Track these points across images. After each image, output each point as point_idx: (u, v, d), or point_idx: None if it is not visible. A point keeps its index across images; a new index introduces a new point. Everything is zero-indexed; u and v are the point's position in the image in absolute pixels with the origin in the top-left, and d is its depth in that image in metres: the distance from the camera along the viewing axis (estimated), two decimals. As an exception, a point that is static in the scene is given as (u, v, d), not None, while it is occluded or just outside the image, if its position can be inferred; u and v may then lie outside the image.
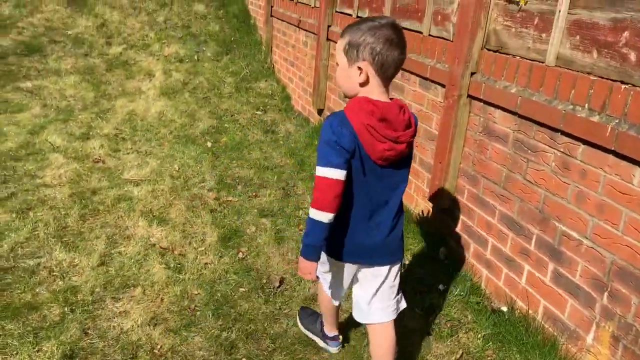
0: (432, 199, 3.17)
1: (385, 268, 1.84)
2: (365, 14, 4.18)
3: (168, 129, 5.13)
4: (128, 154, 4.41)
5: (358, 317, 1.97)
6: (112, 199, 3.54)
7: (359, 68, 1.56)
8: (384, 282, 1.86)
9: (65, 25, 6.79)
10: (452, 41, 2.98)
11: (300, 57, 5.75)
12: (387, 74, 1.59)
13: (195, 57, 6.84)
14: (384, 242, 1.76)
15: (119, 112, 5.37)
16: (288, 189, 4.09)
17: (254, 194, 3.91)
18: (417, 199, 3.49)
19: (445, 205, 3.08)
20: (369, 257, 1.80)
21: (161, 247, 3.02)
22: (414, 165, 3.40)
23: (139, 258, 2.89)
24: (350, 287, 1.96)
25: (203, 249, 3.05)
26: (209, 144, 4.89)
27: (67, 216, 3.25)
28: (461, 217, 2.99)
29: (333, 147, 1.54)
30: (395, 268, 1.87)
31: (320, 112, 5.19)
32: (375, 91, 1.60)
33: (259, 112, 5.83)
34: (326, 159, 1.55)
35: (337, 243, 1.75)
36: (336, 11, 4.78)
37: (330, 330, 2.28)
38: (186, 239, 3.13)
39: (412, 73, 3.46)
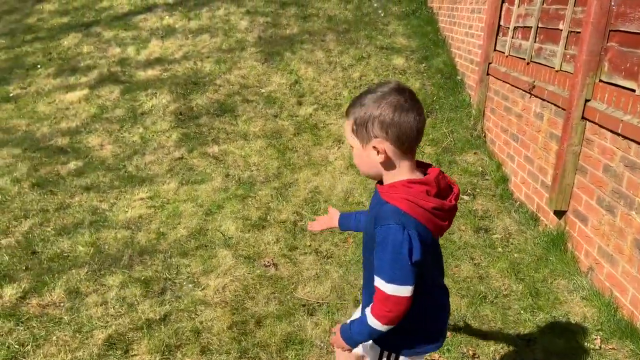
0: None
1: None
2: (666, 91, 2.72)
3: (355, 216, 4.20)
4: (305, 254, 3.56)
5: None
6: (279, 338, 2.64)
7: (374, 147, 1.43)
8: None
9: (260, 82, 6.48)
10: None
11: (529, 132, 4.39)
12: (407, 145, 1.44)
13: (391, 120, 5.91)
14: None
15: (302, 188, 4.64)
16: (520, 342, 2.77)
17: (470, 351, 2.69)
18: None
19: None
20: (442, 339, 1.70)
21: None
22: None
23: None
24: None
25: None
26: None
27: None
28: None
29: (404, 261, 1.39)
30: None
31: (560, 214, 3.75)
32: (404, 167, 1.46)
33: (466, 197, 4.59)
34: (396, 275, 1.41)
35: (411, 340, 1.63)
36: (601, 81, 3.37)
37: None
38: None
39: None
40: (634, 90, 2.99)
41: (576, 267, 3.45)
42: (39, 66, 6.87)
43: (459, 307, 3.08)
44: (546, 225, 3.94)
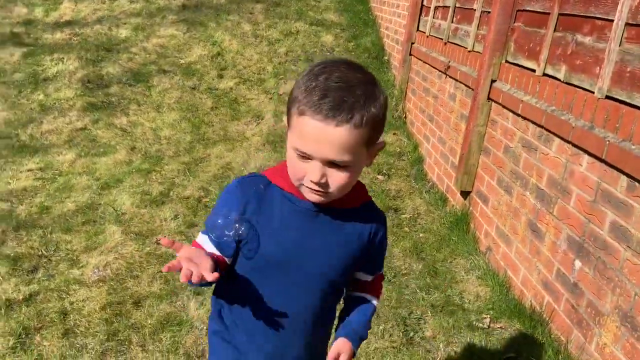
0: None
1: None
2: (560, 72, 2.72)
3: (264, 194, 4.04)
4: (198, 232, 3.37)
5: None
6: (156, 320, 2.45)
7: (375, 154, 1.12)
8: None
9: (180, 52, 6.14)
10: None
11: (443, 113, 4.38)
12: None
13: (314, 98, 5.76)
14: None
15: (213, 164, 4.42)
16: (410, 322, 2.73)
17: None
18: None
19: None
20: None
21: None
22: None
23: None
24: None
25: None
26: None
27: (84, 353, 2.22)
28: None
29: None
30: None
31: (465, 195, 3.76)
32: None
33: (381, 177, 4.55)
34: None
35: None
36: (507, 61, 3.36)
37: None
38: None
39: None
40: (534, 71, 2.99)
41: (476, 247, 3.47)
42: None
43: (356, 286, 3.01)
44: (453, 205, 3.94)
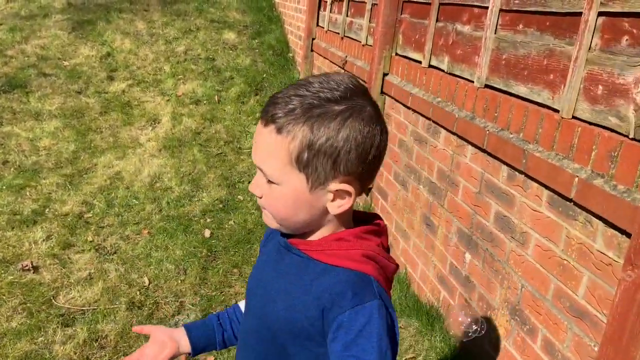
0: None
1: None
2: (444, 63, 2.67)
3: (157, 204, 3.74)
4: (82, 252, 3.03)
5: None
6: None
7: (339, 191, 0.84)
8: None
9: (63, 54, 5.62)
10: None
11: (344, 109, 4.28)
12: (369, 183, 0.89)
13: (216, 98, 5.50)
14: None
15: (99, 174, 4.04)
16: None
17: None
18: None
19: None
20: None
21: None
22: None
23: None
24: None
25: None
26: (207, 233, 3.46)
27: None
28: None
29: (395, 355, 0.84)
30: None
31: (368, 191, 3.67)
32: (344, 217, 0.89)
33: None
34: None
35: None
36: (397, 54, 3.29)
37: None
38: None
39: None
40: (420, 62, 2.93)
41: (379, 244, 3.39)
42: None
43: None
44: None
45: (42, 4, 6.38)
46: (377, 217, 0.98)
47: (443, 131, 2.62)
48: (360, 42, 3.94)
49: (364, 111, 0.82)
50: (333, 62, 4.63)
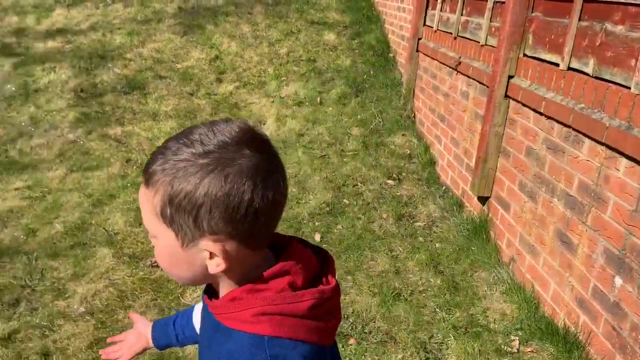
0: None
1: None
2: (588, 66, 2.44)
3: (267, 205, 3.79)
4: (203, 251, 3.13)
5: None
6: (148, 358, 2.20)
7: (209, 251, 0.77)
8: None
9: (176, 57, 5.90)
10: None
11: (456, 112, 4.11)
12: (261, 239, 0.80)
13: (318, 100, 5.52)
14: None
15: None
16: (431, 347, 2.47)
17: (376, 358, 2.36)
18: None
19: None
20: None
21: None
22: None
23: None
24: None
25: None
26: (317, 237, 3.45)
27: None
28: None
29: None
30: None
31: (483, 201, 3.48)
32: (252, 266, 0.82)
33: (391, 182, 4.29)
34: None
35: None
36: (525, 55, 3.08)
37: None
38: None
39: None
40: (557, 65, 2.71)
41: (497, 257, 3.20)
42: None
43: (368, 307, 2.75)
44: (470, 212, 3.67)
45: (156, 9, 6.74)
46: (292, 242, 0.89)
47: (587, 140, 2.40)
48: (479, 42, 3.74)
49: (232, 165, 0.73)
50: (443, 63, 4.45)
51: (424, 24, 5.15)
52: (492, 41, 3.51)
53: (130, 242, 3.12)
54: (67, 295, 2.58)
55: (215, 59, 5.98)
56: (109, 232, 3.17)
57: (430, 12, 5.04)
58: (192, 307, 1.22)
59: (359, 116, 5.31)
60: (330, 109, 5.44)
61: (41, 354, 2.18)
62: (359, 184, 4.28)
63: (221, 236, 0.76)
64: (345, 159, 4.67)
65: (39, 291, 2.61)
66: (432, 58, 4.79)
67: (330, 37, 6.65)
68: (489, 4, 3.61)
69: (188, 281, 0.85)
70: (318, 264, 0.89)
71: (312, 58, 6.24)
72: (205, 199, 0.73)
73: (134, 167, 4.17)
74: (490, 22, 3.61)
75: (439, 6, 4.72)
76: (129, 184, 3.89)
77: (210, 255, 0.78)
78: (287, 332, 0.79)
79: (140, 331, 1.26)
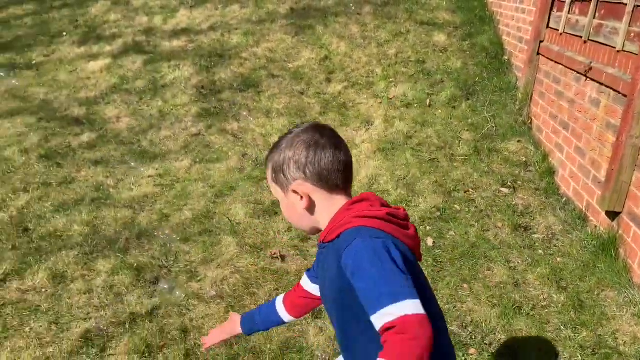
0: None
1: None
2: None
3: (378, 206, 3.81)
4: (313, 247, 3.22)
5: None
6: (275, 345, 2.31)
7: (294, 191, 1.26)
8: None
9: (288, 57, 6.10)
10: None
11: (582, 120, 3.87)
12: (332, 182, 1.26)
13: (427, 102, 5.45)
14: None
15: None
16: (557, 367, 2.36)
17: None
18: None
19: None
20: None
21: None
22: None
23: None
24: None
25: None
26: (430, 242, 3.41)
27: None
28: None
29: (393, 268, 1.06)
30: None
31: (613, 216, 3.26)
32: (336, 206, 1.25)
33: (505, 190, 4.14)
34: (395, 288, 1.03)
35: None
36: (676, 61, 2.83)
37: None
38: None
39: None
40: None
41: (628, 277, 2.98)
42: (64, 34, 6.71)
43: (488, 317, 2.68)
44: (596, 227, 3.45)
45: (269, 10, 7.00)
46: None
47: None
48: (614, 47, 3.50)
49: (296, 141, 1.25)
50: (569, 68, 4.21)
51: (547, 26, 4.91)
52: (631, 47, 3.27)
53: (251, 233, 3.28)
54: (199, 279, 2.77)
55: (324, 59, 6.10)
56: (232, 221, 3.36)
57: (555, 14, 4.79)
58: (275, 298, 1.61)
59: (469, 120, 5.17)
60: (440, 111, 5.34)
61: (180, 330, 2.37)
62: (470, 190, 4.17)
63: (299, 180, 1.24)
64: (455, 164, 4.57)
65: (174, 272, 2.83)
66: (555, 62, 4.55)
67: (440, 38, 6.54)
68: (629, 8, 3.36)
69: (304, 228, 1.31)
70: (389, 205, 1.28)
71: (421, 59, 6.17)
72: (285, 160, 1.24)
73: (250, 162, 4.38)
74: (629, 26, 3.36)
75: (566, 8, 4.47)
76: (245, 178, 4.08)
77: (299, 197, 1.24)
78: (373, 224, 1.16)
79: (231, 320, 1.65)
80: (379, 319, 1.01)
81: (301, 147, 1.24)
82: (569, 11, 4.44)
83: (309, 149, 1.24)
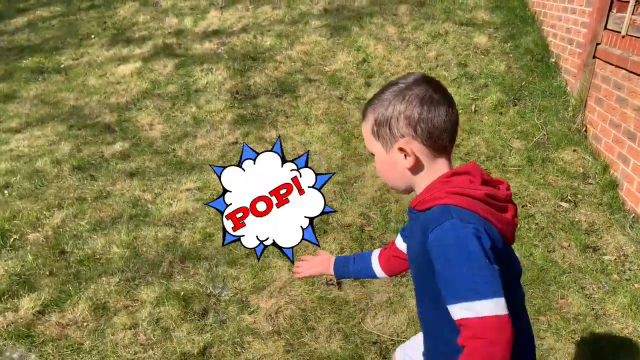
0: None
1: None
2: None
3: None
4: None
5: None
6: None
7: (401, 149, 1.20)
8: None
9: (324, 60, 5.84)
10: None
11: (655, 131, 3.56)
12: (440, 143, 1.19)
13: (472, 108, 5.16)
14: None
15: (369, 184, 4.04)
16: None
17: None
18: None
19: None
20: None
21: None
22: None
23: None
24: None
25: None
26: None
27: None
28: None
29: (481, 261, 1.01)
30: None
31: (701, 240, 2.95)
32: (439, 171, 1.21)
33: (565, 204, 3.85)
34: (478, 285, 1.00)
35: None
36: None
37: None
38: None
39: None
40: None
41: None
42: (92, 36, 6.54)
43: (572, 358, 2.41)
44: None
45: (302, 11, 6.76)
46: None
47: None
48: (698, 52, 3.19)
49: (410, 93, 1.17)
50: (634, 73, 3.90)
51: (605, 28, 4.58)
52: None
53: (302, 254, 3.04)
54: (251, 310, 2.55)
55: (362, 62, 5.85)
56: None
57: (614, 14, 4.46)
58: (371, 252, 1.60)
59: (518, 127, 4.88)
60: (486, 117, 5.06)
61: (238, 373, 2.14)
62: (527, 204, 3.89)
63: (407, 138, 1.18)
64: (508, 175, 4.29)
65: (223, 301, 2.61)
66: (616, 66, 4.24)
67: (481, 39, 6.23)
68: None
69: (399, 187, 1.26)
70: (493, 180, 1.22)
71: (462, 62, 5.88)
72: (393, 113, 1.17)
73: (291, 173, 4.13)
74: None
75: (630, 8, 4.15)
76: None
77: (404, 155, 1.19)
78: (467, 205, 1.09)
79: (324, 258, 1.66)
80: (457, 311, 1.02)
81: (414, 101, 1.17)
82: (633, 12, 4.12)
83: (422, 104, 1.16)
